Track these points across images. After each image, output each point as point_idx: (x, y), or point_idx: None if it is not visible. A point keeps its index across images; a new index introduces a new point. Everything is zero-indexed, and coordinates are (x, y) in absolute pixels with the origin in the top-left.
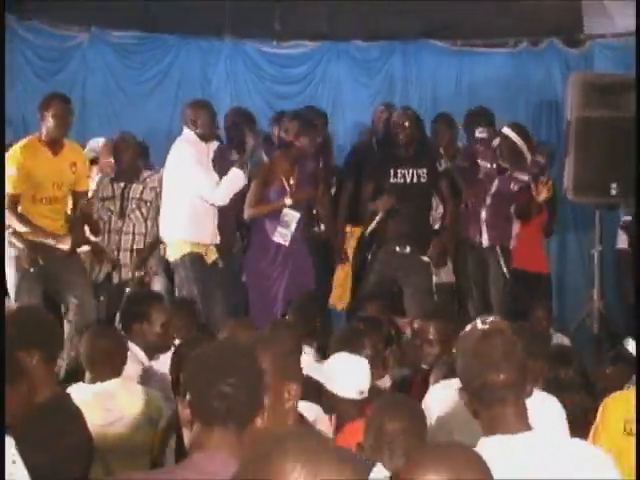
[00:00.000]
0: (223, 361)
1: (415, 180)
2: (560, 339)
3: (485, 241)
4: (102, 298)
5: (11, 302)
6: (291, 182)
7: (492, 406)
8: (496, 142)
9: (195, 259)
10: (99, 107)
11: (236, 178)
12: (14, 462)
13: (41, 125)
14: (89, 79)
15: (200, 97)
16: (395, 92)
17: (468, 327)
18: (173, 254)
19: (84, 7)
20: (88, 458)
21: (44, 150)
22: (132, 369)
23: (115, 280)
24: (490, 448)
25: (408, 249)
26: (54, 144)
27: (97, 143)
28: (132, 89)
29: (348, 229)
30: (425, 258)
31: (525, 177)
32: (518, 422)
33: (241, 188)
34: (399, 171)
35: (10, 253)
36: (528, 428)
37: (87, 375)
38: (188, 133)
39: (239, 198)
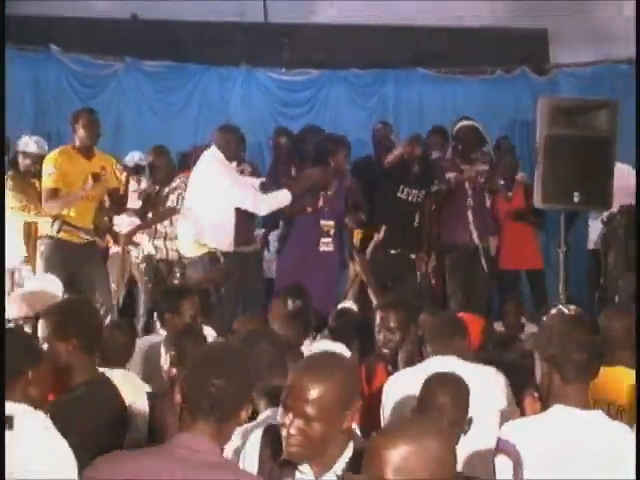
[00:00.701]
0: (213, 362)
1: (413, 199)
2: (532, 328)
3: (476, 240)
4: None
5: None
6: (328, 193)
7: (571, 381)
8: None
9: (213, 258)
10: (132, 125)
11: (284, 198)
12: (46, 427)
13: (74, 136)
14: (124, 101)
15: (219, 117)
16: (388, 113)
17: (554, 311)
18: (190, 252)
19: (119, 40)
20: (123, 428)
21: (78, 156)
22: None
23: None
24: (561, 416)
25: (399, 250)
26: (86, 151)
27: (133, 157)
28: (161, 110)
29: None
30: (412, 256)
31: (485, 167)
32: (586, 399)
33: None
34: (406, 189)
35: (40, 247)
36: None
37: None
38: (216, 152)
39: None
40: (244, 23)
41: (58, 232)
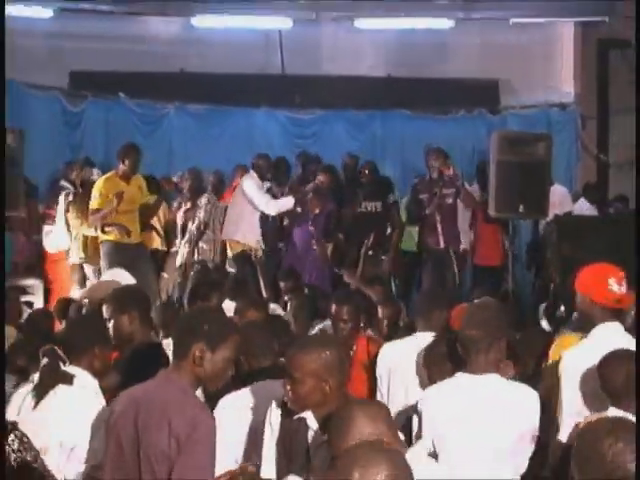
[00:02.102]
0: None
1: (372, 209)
2: None
3: (442, 244)
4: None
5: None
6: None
7: (471, 353)
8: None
9: (247, 255)
10: (180, 154)
11: (288, 202)
12: (96, 393)
13: (119, 164)
14: (174, 135)
15: (246, 147)
16: (376, 144)
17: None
18: (233, 250)
19: (171, 88)
20: None
21: (118, 181)
22: None
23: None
24: (459, 380)
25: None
26: (126, 176)
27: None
28: (202, 141)
29: None
30: (383, 257)
31: (451, 189)
32: (485, 367)
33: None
34: (364, 203)
35: (102, 248)
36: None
37: None
38: (253, 173)
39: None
40: (266, 75)
41: (102, 231)
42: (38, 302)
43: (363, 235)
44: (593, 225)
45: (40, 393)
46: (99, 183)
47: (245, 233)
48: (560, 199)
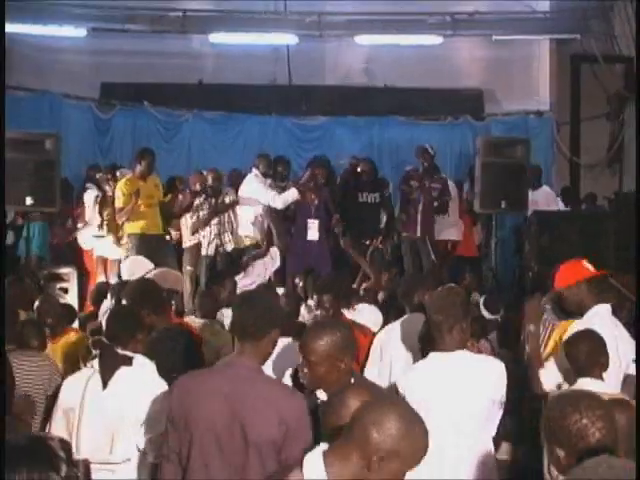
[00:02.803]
0: (239, 301)
1: (371, 200)
2: (476, 297)
3: (419, 233)
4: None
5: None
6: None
7: (443, 331)
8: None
9: (257, 246)
10: (198, 155)
11: (293, 194)
12: (153, 371)
13: (136, 166)
14: (192, 139)
15: (257, 149)
16: (374, 147)
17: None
18: (241, 243)
19: (190, 97)
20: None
21: (137, 181)
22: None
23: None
24: (433, 358)
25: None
26: (143, 177)
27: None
28: (217, 145)
29: None
30: (379, 245)
31: (439, 185)
32: (455, 344)
33: (295, 199)
34: (364, 194)
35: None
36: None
37: None
38: (256, 172)
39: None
40: (275, 85)
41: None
42: (72, 288)
43: (363, 222)
44: (567, 219)
45: (107, 375)
46: (121, 184)
47: (252, 226)
48: (547, 198)
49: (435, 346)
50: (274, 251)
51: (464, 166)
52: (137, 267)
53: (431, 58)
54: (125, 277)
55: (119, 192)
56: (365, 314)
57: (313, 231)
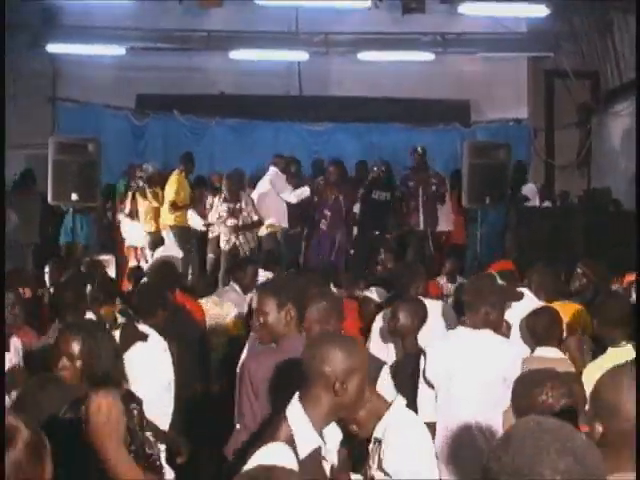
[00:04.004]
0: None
1: (384, 198)
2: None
3: (422, 225)
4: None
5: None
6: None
7: (467, 311)
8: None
9: (274, 234)
10: (221, 158)
11: (305, 191)
12: (165, 349)
13: (180, 166)
14: (215, 144)
15: (272, 151)
16: (374, 151)
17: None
18: (262, 231)
19: (213, 107)
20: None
21: (184, 180)
22: (234, 297)
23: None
24: (458, 332)
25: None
26: (186, 175)
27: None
28: (237, 149)
29: None
30: (387, 236)
31: (436, 180)
32: (476, 323)
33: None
34: (377, 192)
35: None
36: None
37: None
38: (274, 169)
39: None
40: (287, 96)
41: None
42: (111, 273)
43: (376, 218)
44: (543, 213)
45: (123, 348)
46: (174, 178)
47: (272, 217)
48: (532, 194)
49: (464, 322)
50: None
51: (453, 166)
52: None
53: (425, 72)
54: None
55: (173, 188)
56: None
57: (325, 222)
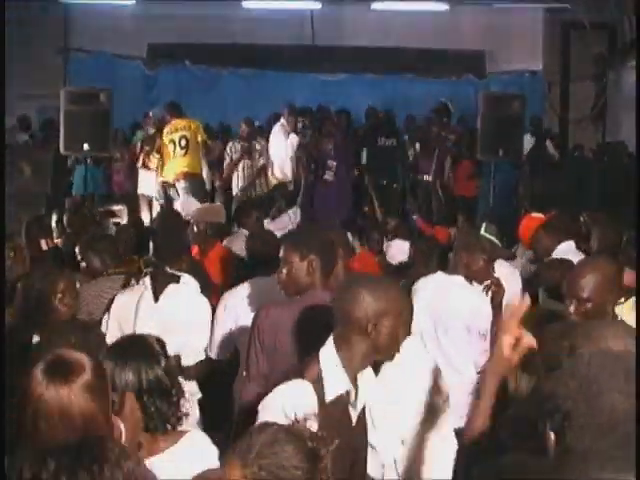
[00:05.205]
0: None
1: (390, 144)
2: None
3: (432, 177)
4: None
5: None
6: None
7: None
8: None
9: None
10: (233, 107)
11: (293, 140)
12: (197, 291)
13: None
14: (227, 94)
15: (286, 101)
16: (388, 101)
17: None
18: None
19: (224, 56)
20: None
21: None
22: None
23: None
24: (436, 276)
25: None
26: None
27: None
28: (249, 98)
29: None
30: (395, 185)
31: (452, 136)
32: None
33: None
34: (382, 138)
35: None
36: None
37: None
38: (283, 121)
39: None
40: (300, 45)
41: None
42: (123, 222)
43: (382, 164)
44: (557, 166)
45: (158, 290)
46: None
47: (281, 168)
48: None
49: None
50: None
51: (467, 118)
52: (189, 205)
53: (439, 23)
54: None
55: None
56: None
57: (331, 172)
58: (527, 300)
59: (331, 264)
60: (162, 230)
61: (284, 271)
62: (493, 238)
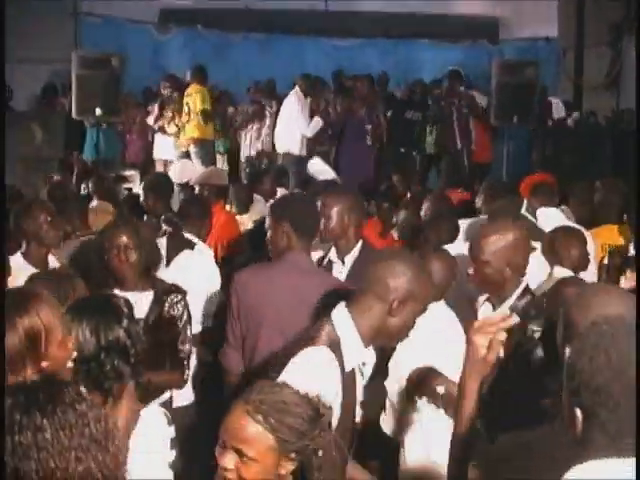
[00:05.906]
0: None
1: (416, 118)
2: None
3: (459, 144)
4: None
5: None
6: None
7: None
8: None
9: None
10: (246, 72)
11: (317, 124)
12: (210, 255)
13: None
14: (240, 59)
15: (300, 66)
16: (400, 67)
17: None
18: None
19: (238, 21)
20: None
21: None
22: (261, 208)
23: None
24: None
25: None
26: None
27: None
28: (262, 62)
29: None
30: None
31: (466, 102)
32: None
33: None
34: (411, 112)
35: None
36: None
37: None
38: (297, 90)
39: None
40: (313, 10)
41: None
42: (135, 188)
43: (406, 136)
44: (570, 132)
45: (172, 255)
46: (198, 89)
47: (290, 139)
48: (557, 109)
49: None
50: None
51: (480, 84)
52: (186, 170)
53: None
54: (176, 180)
55: (200, 98)
56: None
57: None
58: (512, 321)
59: (309, 229)
60: (191, 193)
61: (267, 235)
62: (533, 219)
